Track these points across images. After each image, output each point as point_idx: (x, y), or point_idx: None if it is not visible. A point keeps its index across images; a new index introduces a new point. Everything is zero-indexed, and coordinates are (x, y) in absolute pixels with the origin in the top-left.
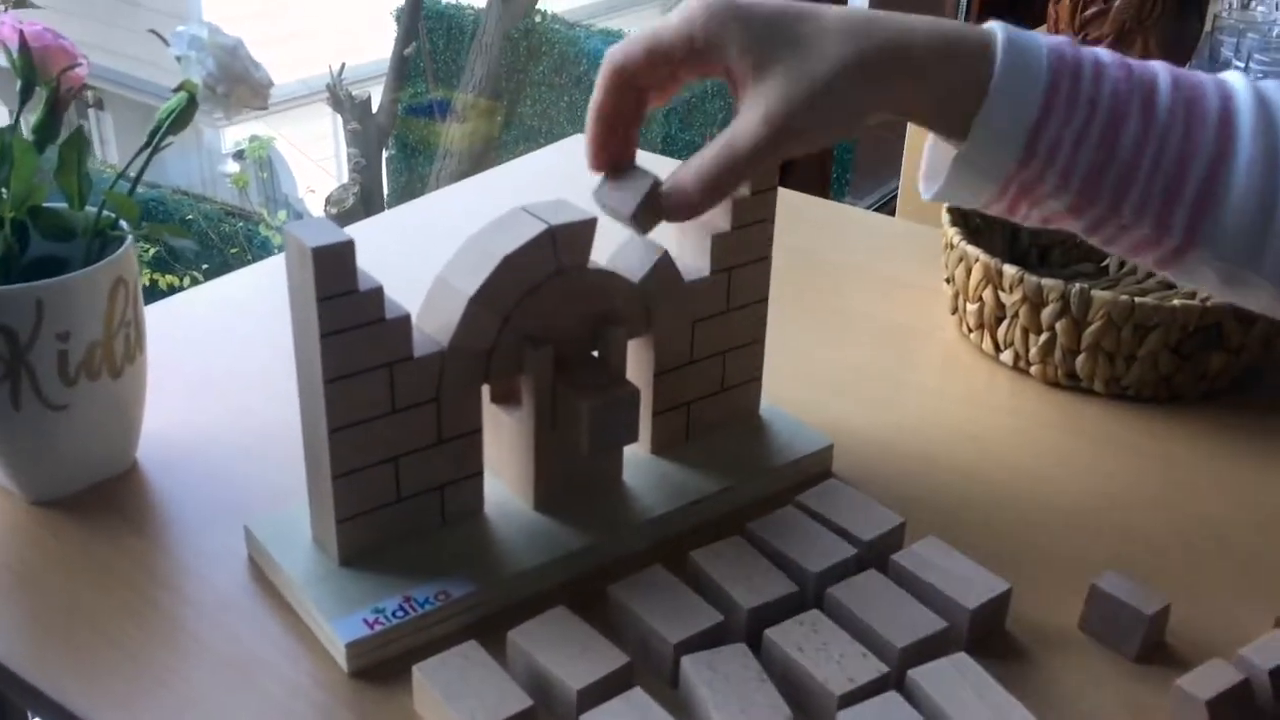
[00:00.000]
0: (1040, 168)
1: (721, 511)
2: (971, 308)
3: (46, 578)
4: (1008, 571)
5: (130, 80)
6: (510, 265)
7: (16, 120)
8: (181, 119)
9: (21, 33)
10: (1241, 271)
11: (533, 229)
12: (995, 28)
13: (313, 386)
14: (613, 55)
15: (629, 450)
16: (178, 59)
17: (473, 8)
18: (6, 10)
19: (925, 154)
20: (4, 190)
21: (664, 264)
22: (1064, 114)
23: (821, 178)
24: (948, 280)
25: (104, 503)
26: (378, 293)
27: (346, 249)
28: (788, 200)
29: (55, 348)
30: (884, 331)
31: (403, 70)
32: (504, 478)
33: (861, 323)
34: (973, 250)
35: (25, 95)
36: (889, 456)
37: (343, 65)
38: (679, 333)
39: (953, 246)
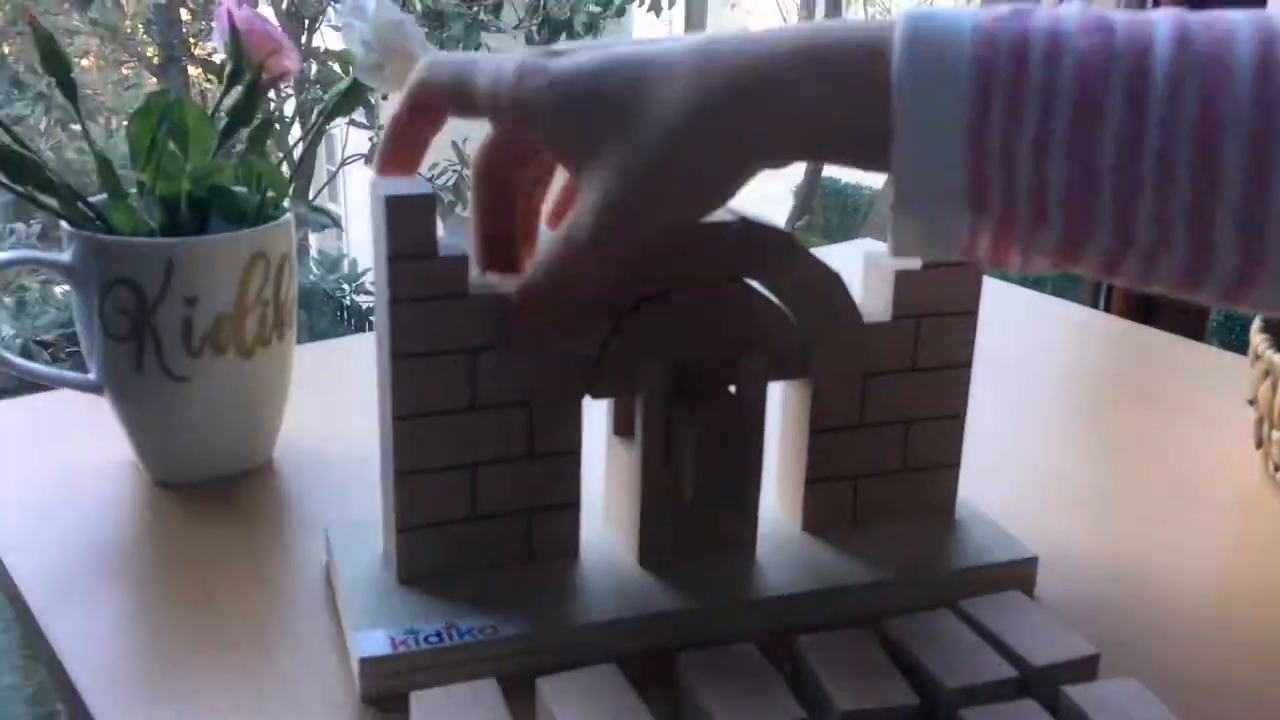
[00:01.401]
0: (1001, 195)
1: (867, 610)
2: (1278, 436)
3: (138, 559)
4: None
5: None
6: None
7: (218, 102)
8: (349, 99)
9: (230, 15)
10: None
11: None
12: (899, 18)
13: (384, 364)
14: (422, 68)
15: (775, 521)
16: (342, 28)
17: (870, 188)
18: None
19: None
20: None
21: (832, 292)
22: (1007, 117)
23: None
24: (1251, 401)
25: (224, 495)
26: (461, 261)
27: (424, 203)
28: (1061, 311)
29: (181, 313)
30: (1164, 460)
31: None
32: (618, 524)
33: (1136, 448)
34: None
35: (233, 79)
36: (1113, 589)
37: None
38: (845, 385)
39: (1259, 356)
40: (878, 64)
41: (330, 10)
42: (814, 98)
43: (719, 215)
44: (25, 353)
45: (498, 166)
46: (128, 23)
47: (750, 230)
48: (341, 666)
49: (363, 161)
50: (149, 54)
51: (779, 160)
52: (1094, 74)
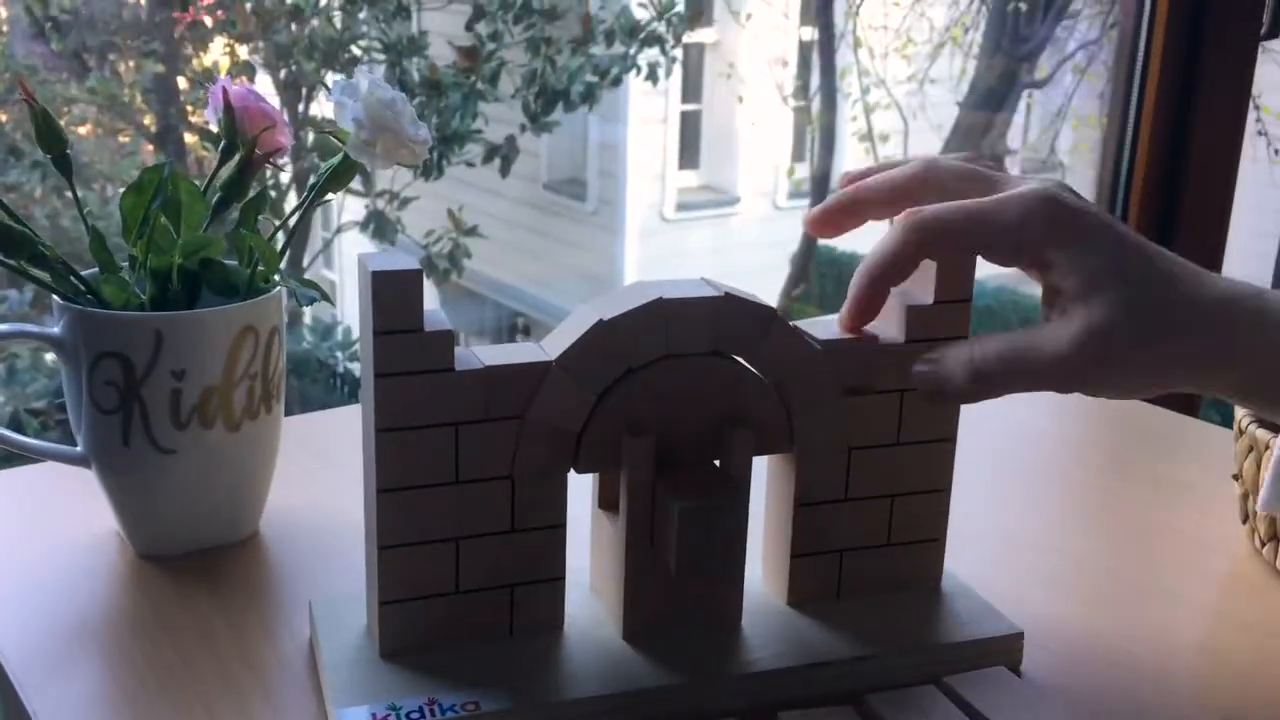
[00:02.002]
0: None
1: (852, 686)
2: (1263, 512)
3: (122, 632)
4: None
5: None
6: (609, 334)
7: (212, 177)
8: (340, 176)
9: (225, 91)
10: None
11: (644, 296)
12: None
13: (368, 437)
14: (925, 216)
15: (761, 595)
16: (333, 106)
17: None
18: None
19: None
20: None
21: (811, 366)
22: None
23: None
24: (1235, 476)
25: (208, 568)
26: (446, 336)
27: (411, 279)
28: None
29: (169, 385)
30: (1151, 534)
31: (790, 306)
32: (602, 596)
33: (1122, 522)
34: (1263, 434)
35: (226, 155)
36: (1098, 666)
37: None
38: (830, 458)
39: (1243, 431)
40: None
41: (327, 79)
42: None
43: (701, 290)
44: (15, 422)
45: (898, 273)
46: (125, 91)
47: (733, 305)
48: None
49: (358, 229)
50: (146, 122)
51: (1205, 391)
52: None
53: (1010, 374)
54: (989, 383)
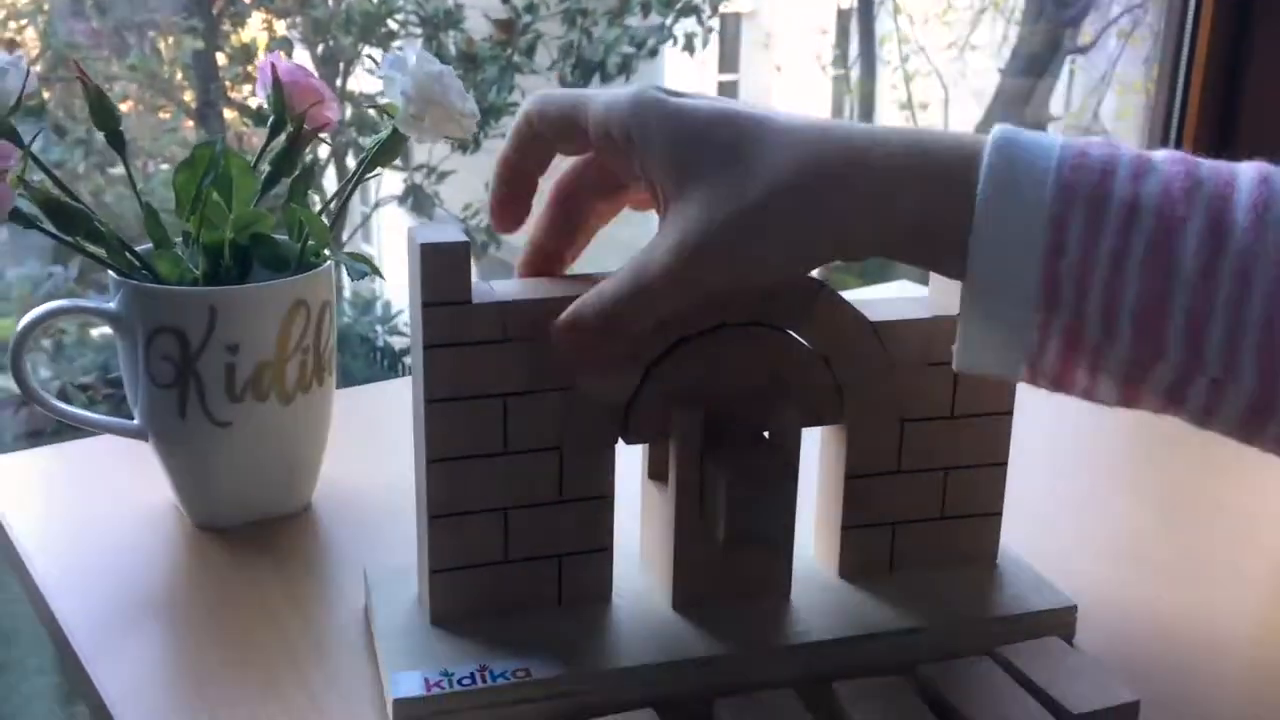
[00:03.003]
0: (1074, 305)
1: (904, 657)
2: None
3: (181, 602)
4: None
5: None
6: None
7: (262, 152)
8: (388, 150)
9: (274, 67)
10: None
11: None
12: (993, 131)
13: (418, 408)
14: (531, 101)
15: (812, 567)
16: (382, 80)
17: None
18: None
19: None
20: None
21: (860, 337)
22: (1087, 223)
23: None
24: None
25: (264, 538)
26: (496, 308)
27: (460, 250)
28: None
29: (224, 359)
30: (1210, 509)
31: (829, 273)
32: (652, 567)
33: (1177, 494)
34: None
35: (275, 130)
36: (1154, 638)
37: None
38: (881, 431)
39: None
40: (969, 170)
41: (364, 54)
42: (907, 195)
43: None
44: (63, 396)
45: (576, 191)
46: (165, 68)
47: None
48: (379, 707)
49: (396, 203)
50: (186, 98)
51: (859, 246)
52: (1178, 194)
53: (639, 307)
54: (618, 321)
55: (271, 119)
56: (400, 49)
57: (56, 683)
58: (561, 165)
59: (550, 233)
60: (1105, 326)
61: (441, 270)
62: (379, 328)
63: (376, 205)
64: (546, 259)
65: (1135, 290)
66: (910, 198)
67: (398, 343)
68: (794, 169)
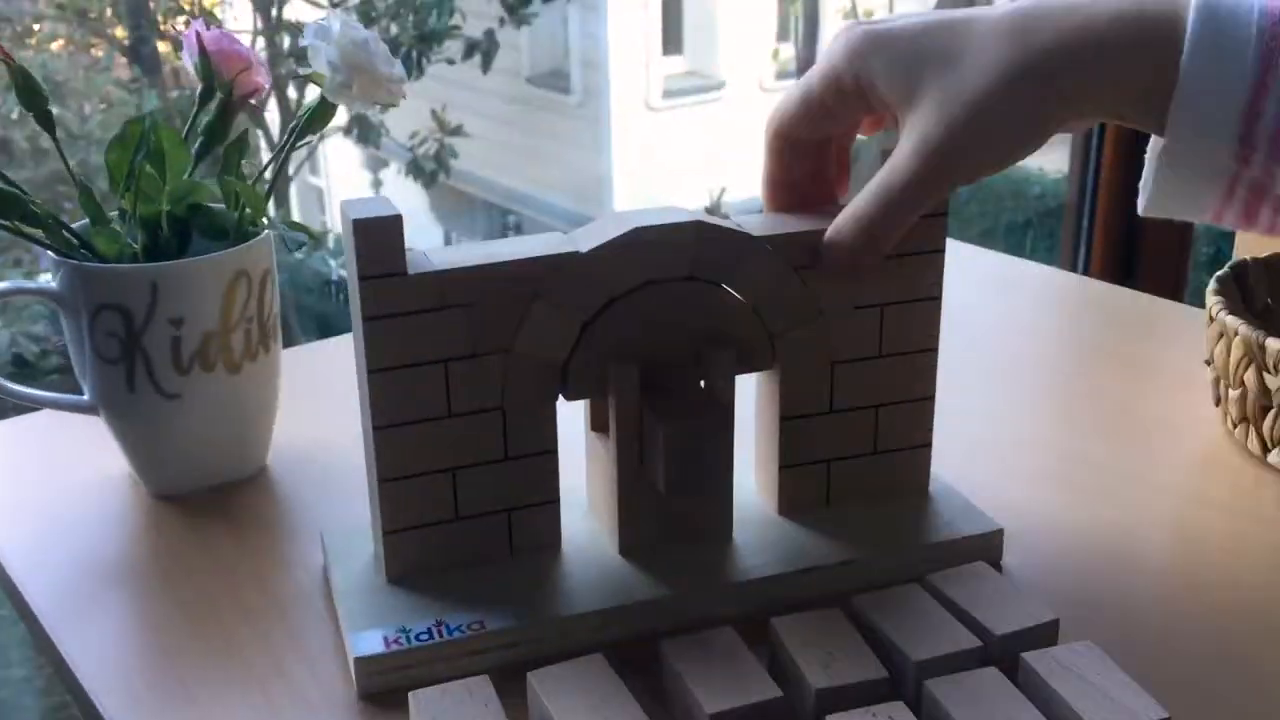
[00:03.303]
0: (1267, 157)
1: (840, 588)
2: (1234, 394)
3: (142, 571)
4: (1179, 705)
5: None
6: (589, 265)
7: (191, 122)
8: (319, 117)
9: (199, 35)
10: None
11: (622, 227)
12: None
13: (361, 377)
14: (771, 118)
15: (753, 506)
16: (307, 49)
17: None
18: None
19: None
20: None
21: (790, 286)
22: None
23: (1175, 277)
24: (1207, 361)
25: (221, 504)
26: (432, 278)
27: (393, 224)
28: (1039, 275)
29: (169, 333)
30: (1130, 422)
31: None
32: (599, 515)
33: (1099, 410)
34: (1232, 321)
35: (204, 98)
36: (1079, 555)
37: (722, 190)
38: (813, 373)
39: (1213, 319)
40: (1175, 29)
41: None
42: (1125, 60)
43: (677, 217)
44: (17, 349)
45: (801, 132)
46: (95, 4)
47: (709, 231)
48: (342, 665)
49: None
50: (118, 35)
51: (1086, 116)
52: None
53: (890, 214)
54: (876, 231)
55: (200, 88)
56: (324, 20)
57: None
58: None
59: (781, 166)
60: None
61: (376, 244)
62: (331, 261)
63: (322, 137)
64: (783, 191)
65: None
66: (1126, 67)
67: None
68: (1013, 58)
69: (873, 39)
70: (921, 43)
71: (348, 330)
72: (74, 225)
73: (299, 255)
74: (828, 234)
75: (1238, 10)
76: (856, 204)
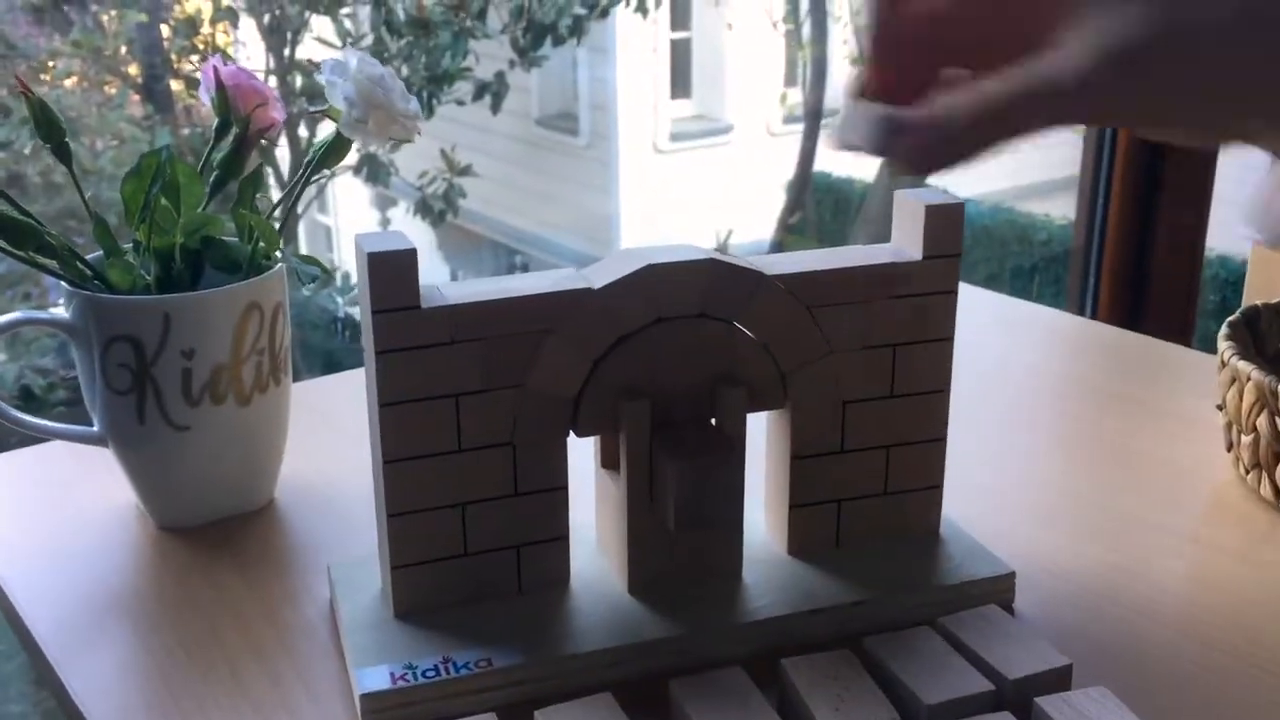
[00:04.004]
0: None
1: (850, 630)
2: (1246, 440)
3: (147, 603)
4: None
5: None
6: (602, 302)
7: (207, 156)
8: (333, 153)
9: (216, 70)
10: None
11: (633, 264)
12: None
13: (372, 410)
14: None
15: (763, 545)
16: (324, 85)
17: (862, 182)
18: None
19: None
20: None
21: (802, 324)
22: None
23: (1183, 323)
24: (1219, 407)
25: (228, 537)
26: (445, 312)
27: (407, 258)
28: (1046, 318)
29: (180, 365)
30: (1141, 466)
31: (785, 237)
32: (608, 552)
33: (1110, 453)
34: (1244, 366)
35: (220, 132)
36: (1090, 599)
37: (729, 232)
38: (824, 412)
39: (1224, 363)
40: None
41: (310, 21)
42: None
43: (689, 255)
44: (23, 383)
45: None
46: (109, 42)
47: (720, 269)
48: (347, 701)
49: (351, 173)
50: (131, 72)
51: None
52: None
53: (1023, 101)
54: (1003, 117)
55: (216, 122)
56: (341, 56)
57: (25, 668)
58: None
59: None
60: None
61: (389, 278)
62: (339, 298)
63: (333, 175)
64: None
65: None
66: None
67: (358, 313)
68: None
69: None
70: None
71: (354, 367)
72: (87, 257)
73: (308, 291)
74: (925, 110)
75: None
76: (989, 84)
